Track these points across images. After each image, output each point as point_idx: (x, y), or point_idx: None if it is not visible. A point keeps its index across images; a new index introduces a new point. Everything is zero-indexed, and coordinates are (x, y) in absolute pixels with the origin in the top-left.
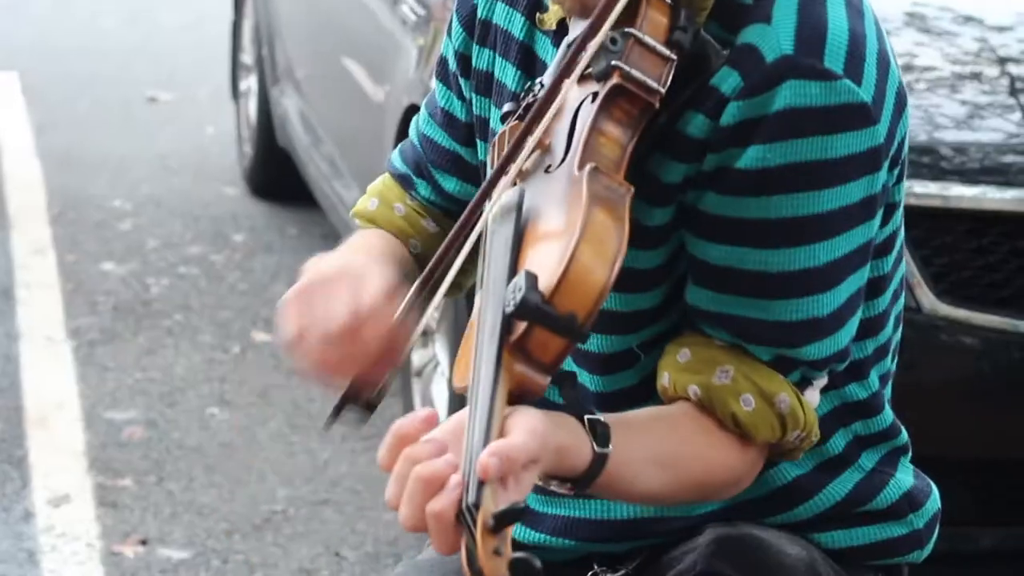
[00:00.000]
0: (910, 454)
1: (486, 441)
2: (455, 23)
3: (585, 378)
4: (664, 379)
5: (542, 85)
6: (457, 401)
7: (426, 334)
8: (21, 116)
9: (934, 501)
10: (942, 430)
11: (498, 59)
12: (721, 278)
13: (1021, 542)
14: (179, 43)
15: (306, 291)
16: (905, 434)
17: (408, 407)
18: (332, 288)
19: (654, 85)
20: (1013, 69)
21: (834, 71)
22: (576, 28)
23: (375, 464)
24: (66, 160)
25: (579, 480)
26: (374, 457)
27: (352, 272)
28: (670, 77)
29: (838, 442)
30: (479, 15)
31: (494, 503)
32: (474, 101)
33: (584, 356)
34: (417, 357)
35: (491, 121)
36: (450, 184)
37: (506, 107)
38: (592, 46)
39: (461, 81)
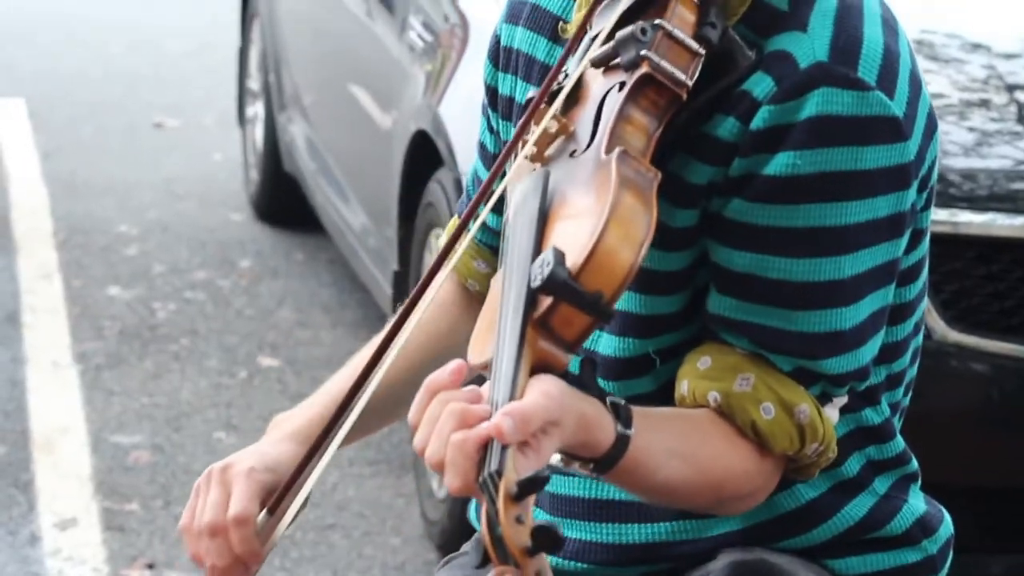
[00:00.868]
0: (920, 482)
1: None
2: (486, 55)
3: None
4: (683, 387)
5: (566, 74)
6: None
7: None
8: (28, 141)
9: (947, 527)
10: (952, 457)
11: (519, 83)
12: (744, 286)
13: None
14: (186, 69)
15: (209, 476)
16: (915, 462)
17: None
18: (213, 481)
19: (682, 77)
20: (1021, 96)
21: (867, 82)
22: (600, 22)
23: (382, 489)
24: (72, 185)
25: (601, 461)
26: (381, 482)
27: (243, 465)
28: (697, 71)
29: (853, 465)
30: (502, 43)
31: (516, 471)
32: (500, 128)
33: (600, 361)
34: None
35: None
36: (491, 219)
37: (530, 93)
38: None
39: (491, 113)
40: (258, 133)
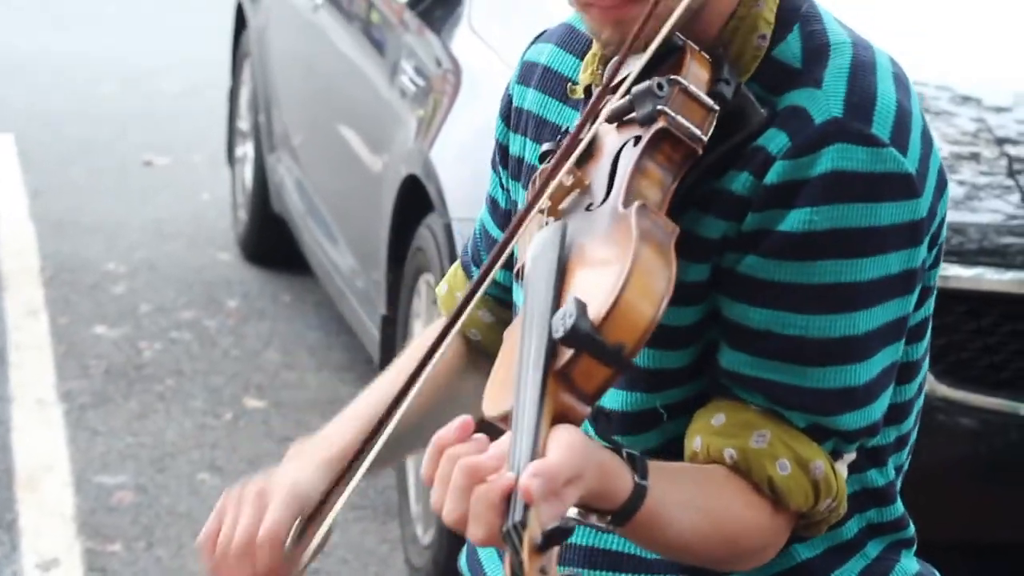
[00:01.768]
0: (915, 548)
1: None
2: (498, 113)
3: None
4: (696, 443)
5: (568, 130)
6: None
7: None
8: (16, 179)
9: None
10: (941, 512)
11: (528, 143)
12: (760, 342)
13: None
14: (176, 109)
15: (241, 495)
16: (912, 528)
17: (402, 480)
18: (247, 501)
19: (697, 132)
20: (1011, 150)
21: (881, 138)
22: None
23: (366, 534)
24: (60, 223)
25: (619, 513)
26: (365, 527)
27: (273, 490)
28: (712, 127)
29: (852, 527)
30: (514, 104)
31: (539, 522)
32: (510, 187)
33: (607, 417)
34: None
35: (521, 203)
36: (498, 273)
37: (545, 146)
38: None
39: (501, 171)
40: (247, 173)
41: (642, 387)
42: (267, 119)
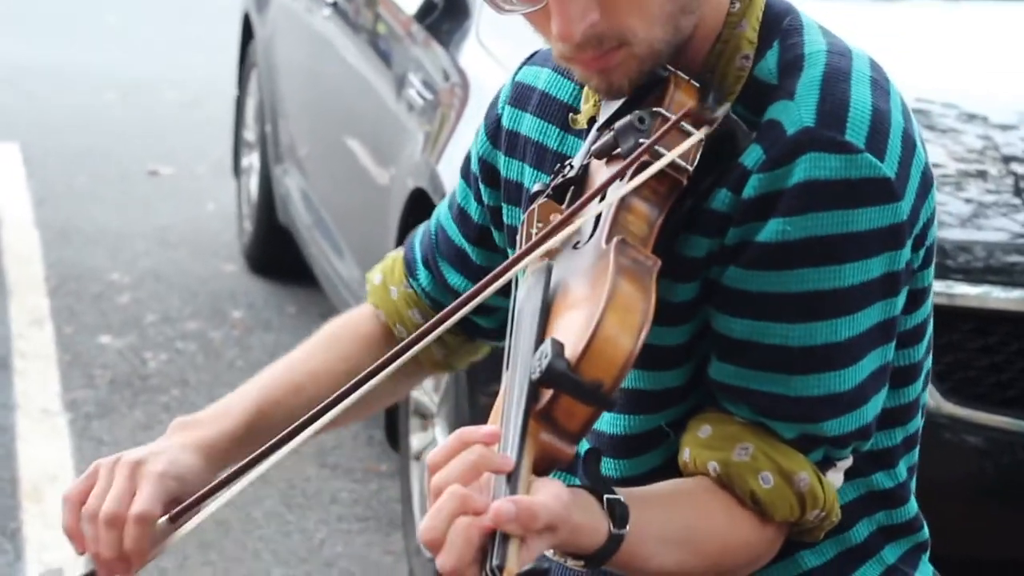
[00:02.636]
0: (929, 552)
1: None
2: (482, 129)
3: (608, 466)
4: (685, 455)
5: (571, 166)
6: None
7: (426, 417)
8: (21, 188)
9: None
10: (947, 530)
11: (528, 170)
12: (743, 352)
13: None
14: (182, 118)
15: (115, 464)
16: (927, 530)
17: (406, 491)
18: (121, 473)
19: (683, 164)
20: (1018, 168)
21: (855, 144)
22: (606, 111)
23: (370, 545)
24: (65, 232)
25: (592, 557)
26: (369, 539)
27: (156, 467)
28: (698, 156)
29: (861, 531)
30: (504, 125)
31: (517, 564)
32: (504, 211)
33: (609, 441)
34: (416, 440)
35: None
36: (453, 278)
37: (536, 187)
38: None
39: (481, 186)
40: (253, 184)
41: (644, 409)
42: (273, 130)
